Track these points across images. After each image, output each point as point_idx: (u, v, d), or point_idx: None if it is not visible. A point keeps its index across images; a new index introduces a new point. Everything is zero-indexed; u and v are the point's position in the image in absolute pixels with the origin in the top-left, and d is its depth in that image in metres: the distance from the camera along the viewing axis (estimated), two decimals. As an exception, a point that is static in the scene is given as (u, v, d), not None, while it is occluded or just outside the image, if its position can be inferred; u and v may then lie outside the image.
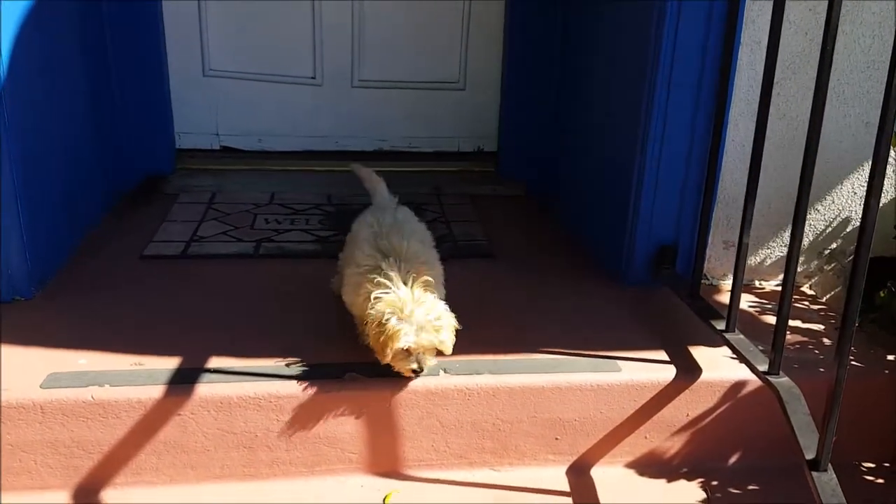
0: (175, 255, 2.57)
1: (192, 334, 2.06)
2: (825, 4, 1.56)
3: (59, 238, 2.45)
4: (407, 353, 1.80)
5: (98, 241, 2.64)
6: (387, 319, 1.77)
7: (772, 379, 1.79)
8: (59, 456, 1.81)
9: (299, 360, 1.95)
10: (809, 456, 1.61)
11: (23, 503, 1.80)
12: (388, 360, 1.81)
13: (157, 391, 1.81)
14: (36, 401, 1.77)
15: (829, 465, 1.59)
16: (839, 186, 2.44)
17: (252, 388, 1.83)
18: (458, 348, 2.00)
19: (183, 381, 1.84)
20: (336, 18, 3.33)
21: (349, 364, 1.93)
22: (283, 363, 1.93)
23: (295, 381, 1.86)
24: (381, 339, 1.78)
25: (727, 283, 2.46)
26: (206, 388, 1.83)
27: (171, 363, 1.90)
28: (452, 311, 1.89)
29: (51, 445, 1.80)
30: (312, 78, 3.42)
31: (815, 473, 1.59)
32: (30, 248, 2.17)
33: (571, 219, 2.99)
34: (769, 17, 1.80)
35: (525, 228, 3.01)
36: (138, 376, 1.84)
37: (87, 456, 1.82)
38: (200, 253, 2.60)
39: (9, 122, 2.06)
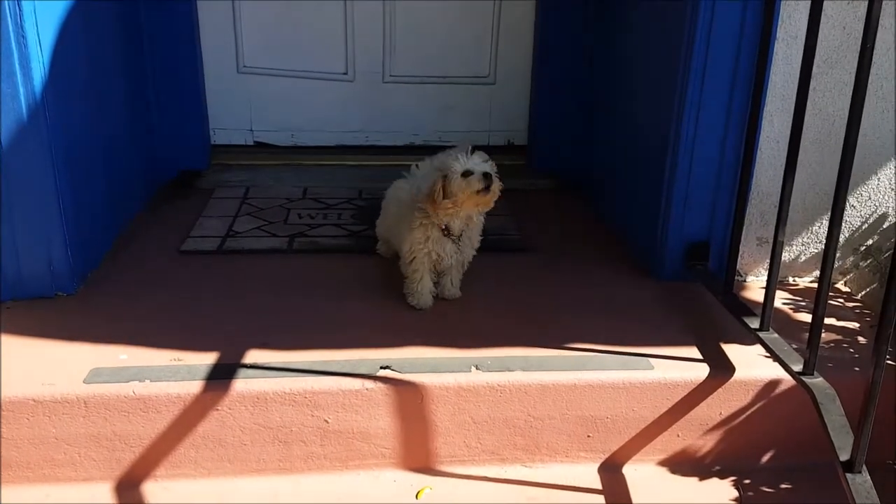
0: (212, 250, 2.61)
1: (230, 329, 2.09)
2: (862, -2, 1.54)
3: (100, 233, 2.49)
4: (467, 176, 2.04)
5: (136, 236, 2.69)
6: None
7: (806, 379, 1.78)
8: (101, 449, 1.86)
9: (334, 355, 1.97)
10: (844, 457, 1.60)
11: (66, 495, 1.85)
12: (459, 201, 2.07)
13: (195, 387, 1.84)
14: (80, 395, 1.81)
15: (864, 466, 1.58)
16: (876, 182, 2.40)
17: (288, 384, 1.87)
18: (490, 342, 2.04)
19: (221, 377, 1.87)
20: (367, 15, 3.35)
21: (384, 360, 1.95)
22: (318, 358, 1.96)
23: (329, 377, 1.89)
24: (440, 186, 2.03)
25: (760, 280, 2.44)
26: (242, 384, 1.86)
27: (209, 358, 1.94)
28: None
29: (94, 439, 1.85)
30: (345, 74, 3.45)
31: (849, 475, 1.58)
32: (72, 244, 2.21)
33: (602, 212, 2.99)
34: (805, 13, 1.78)
35: (556, 222, 3.01)
36: (178, 372, 1.88)
37: (128, 449, 1.87)
38: (236, 248, 2.63)
39: (50, 120, 2.10)
